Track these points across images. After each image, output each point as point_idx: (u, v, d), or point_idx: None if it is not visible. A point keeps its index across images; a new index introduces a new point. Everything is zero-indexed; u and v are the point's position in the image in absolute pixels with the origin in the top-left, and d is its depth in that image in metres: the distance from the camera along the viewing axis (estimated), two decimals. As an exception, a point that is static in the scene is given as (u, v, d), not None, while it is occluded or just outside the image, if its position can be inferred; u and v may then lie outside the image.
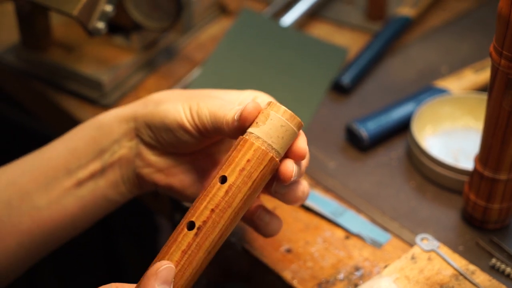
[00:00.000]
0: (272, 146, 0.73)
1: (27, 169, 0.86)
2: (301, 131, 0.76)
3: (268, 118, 0.73)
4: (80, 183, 0.85)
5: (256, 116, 0.74)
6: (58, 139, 0.87)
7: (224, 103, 0.78)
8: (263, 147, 0.72)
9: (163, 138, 0.82)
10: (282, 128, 0.73)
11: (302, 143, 0.75)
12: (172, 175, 0.84)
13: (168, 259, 0.70)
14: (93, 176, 0.85)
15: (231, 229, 0.73)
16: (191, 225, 0.71)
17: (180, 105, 0.80)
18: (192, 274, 0.71)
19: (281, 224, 0.83)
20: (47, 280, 1.50)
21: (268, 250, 0.90)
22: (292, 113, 0.74)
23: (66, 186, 0.85)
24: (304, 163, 0.78)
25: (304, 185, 0.80)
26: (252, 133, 0.73)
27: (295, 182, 0.79)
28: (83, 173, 0.85)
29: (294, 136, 0.75)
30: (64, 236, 0.87)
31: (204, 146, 0.84)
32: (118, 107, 0.87)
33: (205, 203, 0.71)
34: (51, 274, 1.50)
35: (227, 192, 0.71)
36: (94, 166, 0.85)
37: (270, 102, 0.75)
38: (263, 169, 0.72)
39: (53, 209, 0.85)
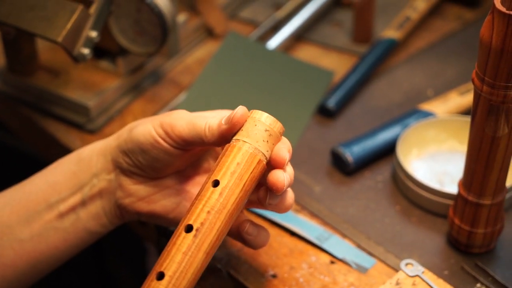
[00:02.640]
0: (259, 150, 0.76)
1: (7, 203, 0.86)
2: (282, 138, 0.80)
3: (252, 124, 0.77)
4: (61, 216, 0.85)
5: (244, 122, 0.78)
6: (38, 173, 0.88)
7: (200, 114, 0.81)
8: (251, 151, 0.76)
9: (140, 162, 0.82)
10: (266, 133, 0.77)
11: (280, 150, 0.78)
12: (154, 202, 0.85)
13: (169, 261, 0.72)
14: (73, 209, 0.86)
15: (226, 230, 0.76)
16: (189, 228, 0.73)
17: (150, 124, 0.81)
18: (194, 276, 0.73)
19: (269, 235, 0.84)
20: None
21: (254, 276, 0.90)
22: (274, 118, 0.78)
23: (47, 219, 0.85)
24: (290, 170, 0.80)
25: (291, 191, 0.82)
26: (239, 139, 0.77)
27: (285, 191, 0.80)
28: (63, 206, 0.85)
29: (278, 139, 0.78)
30: (47, 268, 0.87)
31: (183, 167, 0.85)
32: (97, 141, 0.87)
33: (200, 206, 0.74)
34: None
35: (221, 194, 0.74)
36: (75, 199, 0.85)
37: (252, 110, 0.78)
38: (252, 171, 0.76)
39: (35, 241, 0.85)
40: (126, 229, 1.10)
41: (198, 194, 0.75)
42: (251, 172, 0.76)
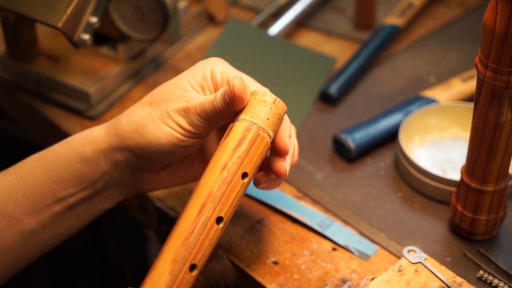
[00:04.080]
0: (263, 129, 0.77)
1: (10, 196, 0.84)
2: (285, 118, 0.80)
3: (256, 103, 0.77)
4: (72, 207, 0.84)
5: (245, 92, 0.77)
6: (36, 165, 0.85)
7: (200, 96, 0.80)
8: (257, 130, 0.76)
9: (163, 162, 0.82)
10: (270, 111, 0.77)
11: (283, 138, 0.78)
12: (175, 179, 0.86)
13: (202, 255, 0.73)
14: (85, 199, 0.85)
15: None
16: (219, 219, 0.74)
17: (163, 125, 0.79)
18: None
19: (281, 181, 0.83)
20: (42, 285, 1.50)
21: (255, 263, 0.89)
22: (277, 97, 0.78)
23: (57, 211, 0.84)
24: (292, 152, 0.81)
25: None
26: (244, 119, 0.77)
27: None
28: (73, 199, 0.84)
29: (281, 119, 0.79)
30: (59, 243, 0.88)
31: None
32: (94, 139, 0.84)
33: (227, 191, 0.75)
34: (47, 280, 1.50)
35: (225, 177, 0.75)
36: (85, 193, 0.84)
37: (254, 90, 0.79)
38: (260, 153, 0.77)
39: (47, 229, 0.84)
40: (126, 217, 1.10)
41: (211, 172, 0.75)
42: (260, 154, 0.77)
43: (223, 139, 0.77)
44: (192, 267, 0.72)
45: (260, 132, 0.76)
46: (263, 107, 0.77)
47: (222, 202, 0.74)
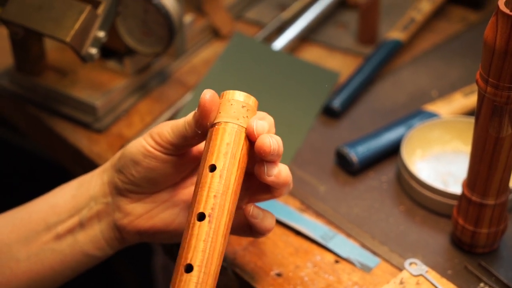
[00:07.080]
0: (241, 126, 0.78)
1: (9, 222, 0.86)
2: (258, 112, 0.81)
3: (228, 104, 0.79)
4: (59, 237, 0.85)
5: (217, 107, 0.78)
6: (42, 195, 0.88)
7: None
8: (235, 128, 0.77)
9: (134, 176, 0.82)
10: (243, 109, 0.79)
11: (251, 122, 0.78)
12: (153, 217, 0.85)
13: (193, 252, 0.73)
14: (71, 231, 0.85)
15: (234, 209, 0.77)
16: (201, 216, 0.75)
17: (141, 138, 0.82)
18: (219, 259, 0.74)
19: (274, 218, 0.83)
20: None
21: (259, 275, 0.90)
22: (246, 93, 0.80)
23: (45, 240, 0.85)
24: (276, 137, 0.79)
25: (285, 166, 0.81)
26: (220, 122, 0.78)
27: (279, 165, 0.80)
28: (61, 228, 0.85)
29: (255, 114, 0.80)
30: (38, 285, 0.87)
31: (178, 179, 0.85)
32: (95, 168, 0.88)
33: (205, 193, 0.75)
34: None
35: (221, 176, 0.76)
36: (73, 221, 0.85)
37: (223, 92, 0.80)
38: (242, 147, 0.78)
39: (32, 262, 0.85)
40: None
41: (198, 182, 0.76)
42: (242, 149, 0.77)
43: (205, 146, 0.77)
44: (188, 268, 0.73)
45: (240, 130, 0.78)
46: (236, 106, 0.78)
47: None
